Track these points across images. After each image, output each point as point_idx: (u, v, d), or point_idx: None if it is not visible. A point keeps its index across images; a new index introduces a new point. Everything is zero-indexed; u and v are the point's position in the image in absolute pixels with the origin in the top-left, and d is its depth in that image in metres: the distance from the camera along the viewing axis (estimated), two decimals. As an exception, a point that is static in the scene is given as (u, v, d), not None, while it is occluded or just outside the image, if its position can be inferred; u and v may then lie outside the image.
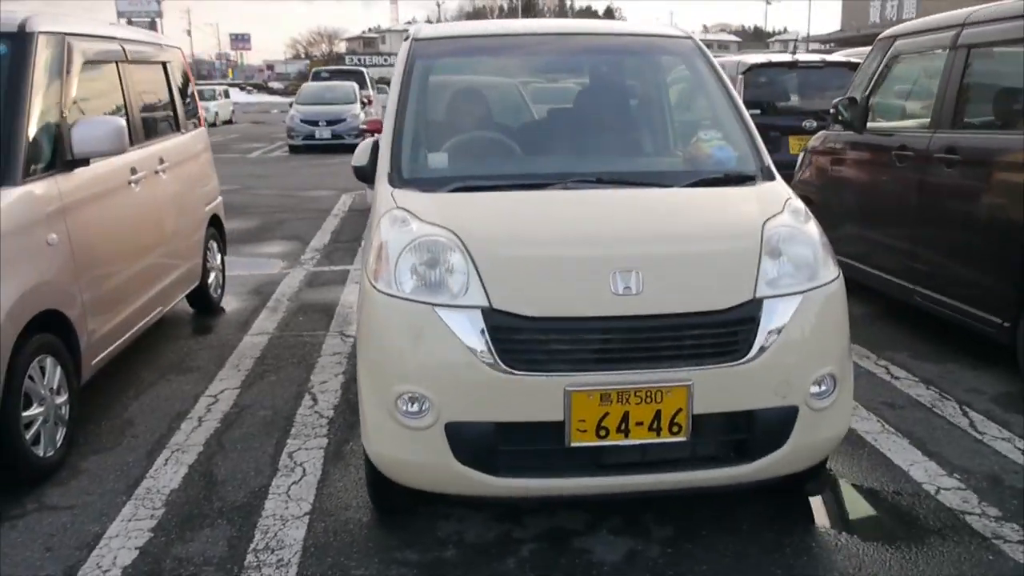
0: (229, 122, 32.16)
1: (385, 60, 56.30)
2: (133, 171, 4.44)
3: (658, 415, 2.56)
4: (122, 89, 4.55)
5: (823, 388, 2.71)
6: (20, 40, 3.64)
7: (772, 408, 2.65)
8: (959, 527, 2.94)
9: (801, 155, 6.56)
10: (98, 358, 3.92)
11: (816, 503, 3.14)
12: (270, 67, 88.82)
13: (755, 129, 3.41)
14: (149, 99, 4.99)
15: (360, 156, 3.47)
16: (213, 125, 25.83)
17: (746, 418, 2.65)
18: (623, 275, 2.58)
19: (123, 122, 3.87)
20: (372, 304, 2.70)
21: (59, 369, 3.52)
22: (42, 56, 3.70)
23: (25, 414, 3.25)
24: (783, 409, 2.66)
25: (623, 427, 2.56)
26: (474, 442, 2.57)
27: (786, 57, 8.87)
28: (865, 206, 5.60)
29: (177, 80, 5.52)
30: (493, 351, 2.53)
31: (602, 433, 2.56)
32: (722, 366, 2.58)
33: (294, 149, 18.95)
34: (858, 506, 3.17)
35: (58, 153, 3.70)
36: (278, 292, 6.36)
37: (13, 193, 3.33)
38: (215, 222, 5.86)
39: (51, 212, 3.54)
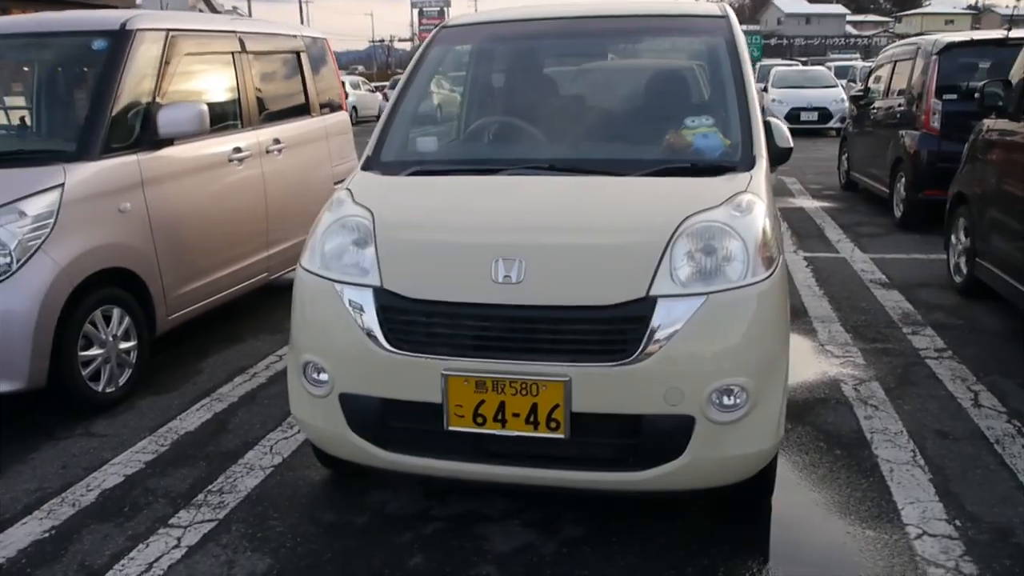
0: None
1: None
2: (237, 150, 4.98)
3: (535, 408, 2.50)
4: (236, 77, 5.11)
5: (729, 400, 2.48)
6: (120, 36, 4.26)
7: (661, 415, 2.48)
8: (906, 578, 2.55)
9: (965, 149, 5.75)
10: (177, 315, 4.49)
11: (755, 530, 2.86)
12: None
13: (757, 117, 3.13)
14: (270, 86, 5.55)
15: None
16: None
17: (633, 423, 2.51)
18: (506, 263, 2.55)
19: (204, 107, 4.37)
20: (296, 276, 2.90)
21: (127, 319, 4.10)
22: (139, 50, 4.30)
23: (84, 354, 3.85)
24: (674, 417, 2.48)
25: (500, 417, 2.53)
26: (364, 414, 2.69)
27: (995, 34, 7.72)
28: (1008, 206, 4.81)
29: (310, 68, 6.05)
30: (381, 329, 2.61)
31: (479, 420, 2.55)
32: (604, 365, 2.46)
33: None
34: (808, 540, 2.83)
35: (146, 133, 4.28)
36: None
37: (88, 168, 3.93)
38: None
39: (127, 184, 4.12)
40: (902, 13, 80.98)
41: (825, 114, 17.44)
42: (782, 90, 18.21)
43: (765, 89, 18.96)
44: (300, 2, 54.47)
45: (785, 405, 2.64)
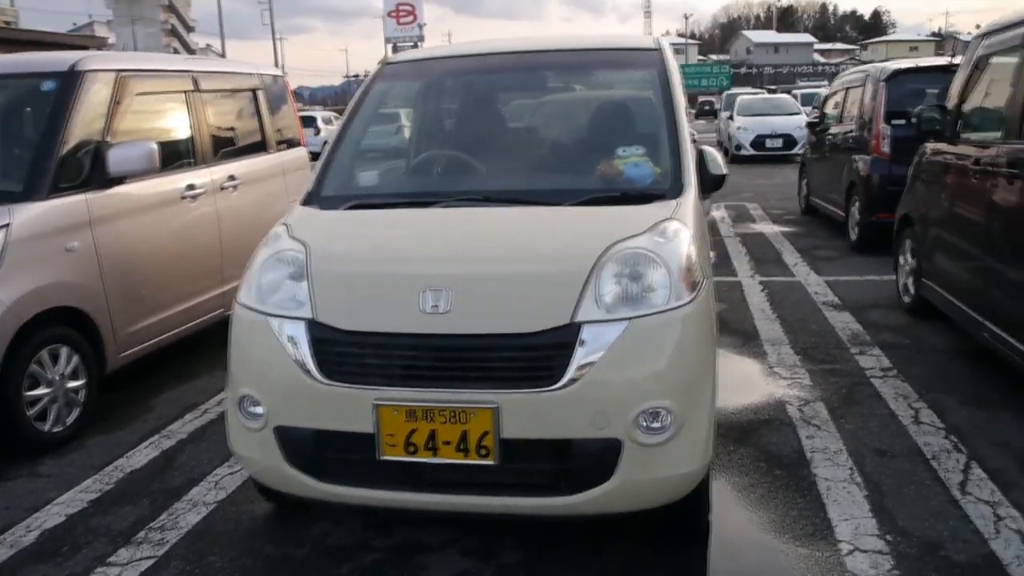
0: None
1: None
2: (191, 187, 5.02)
3: (465, 436, 2.54)
4: (190, 115, 5.17)
5: (655, 423, 2.53)
6: (68, 78, 4.30)
7: (590, 439, 2.52)
8: (834, 594, 2.59)
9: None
10: (128, 352, 4.49)
11: (693, 553, 2.89)
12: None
13: (686, 146, 3.23)
14: (225, 123, 5.60)
15: None
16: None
17: (562, 448, 2.55)
18: (433, 293, 2.59)
19: (154, 145, 4.41)
20: (232, 311, 2.93)
21: (76, 357, 4.10)
22: (89, 91, 4.35)
23: (29, 394, 3.84)
24: (602, 441, 2.52)
25: (431, 445, 2.57)
26: (300, 446, 2.71)
27: (940, 61, 7.94)
28: (947, 226, 4.94)
29: (267, 105, 6.11)
30: (314, 361, 2.65)
31: (411, 449, 2.58)
32: (532, 391, 2.50)
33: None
34: (745, 560, 2.87)
35: (96, 172, 4.31)
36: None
37: (35, 208, 3.95)
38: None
39: (76, 223, 4.14)
40: (867, 41, 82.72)
41: (789, 141, 17.74)
42: (747, 118, 18.51)
43: (731, 117, 19.28)
44: (274, 40, 54.81)
45: (713, 426, 2.69)
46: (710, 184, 3.41)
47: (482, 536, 3.01)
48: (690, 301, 2.62)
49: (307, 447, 2.69)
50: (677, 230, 2.78)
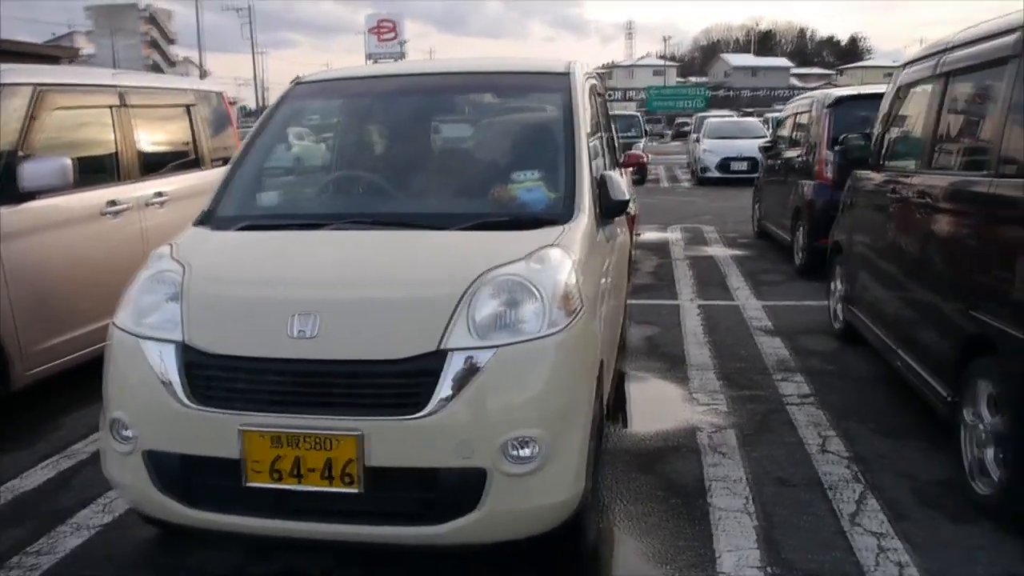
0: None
1: (612, 95, 57.09)
2: (112, 204, 4.96)
3: (330, 463, 2.50)
4: (114, 130, 5.11)
5: (522, 452, 2.49)
6: (-21, 91, 4.24)
7: (455, 468, 2.49)
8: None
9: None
10: (37, 370, 4.41)
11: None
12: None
13: (583, 172, 3.21)
14: (154, 139, 5.55)
15: None
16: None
17: (429, 476, 2.51)
18: (301, 319, 2.56)
19: (68, 161, 4.36)
20: (108, 333, 2.87)
21: (-24, 375, 4.02)
22: (3, 104, 4.28)
23: (-78, 412, 3.75)
24: (468, 470, 2.49)
25: (296, 472, 2.53)
26: (169, 471, 2.66)
27: (883, 88, 8.02)
28: (868, 254, 4.98)
29: (202, 122, 6.07)
30: (182, 385, 2.60)
31: (276, 476, 2.53)
32: (397, 419, 2.47)
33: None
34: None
35: (7, 187, 4.24)
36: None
37: (-67, 222, 3.88)
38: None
39: (-20, 238, 4.07)
40: (844, 66, 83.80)
41: (754, 164, 17.83)
42: (714, 140, 18.66)
43: (699, 139, 19.43)
44: (253, 53, 54.75)
45: (587, 454, 2.66)
46: (613, 209, 3.41)
47: (363, 564, 2.96)
48: (564, 328, 2.60)
49: (176, 473, 2.65)
50: (555, 256, 2.76)
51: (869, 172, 5.18)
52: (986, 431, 3.22)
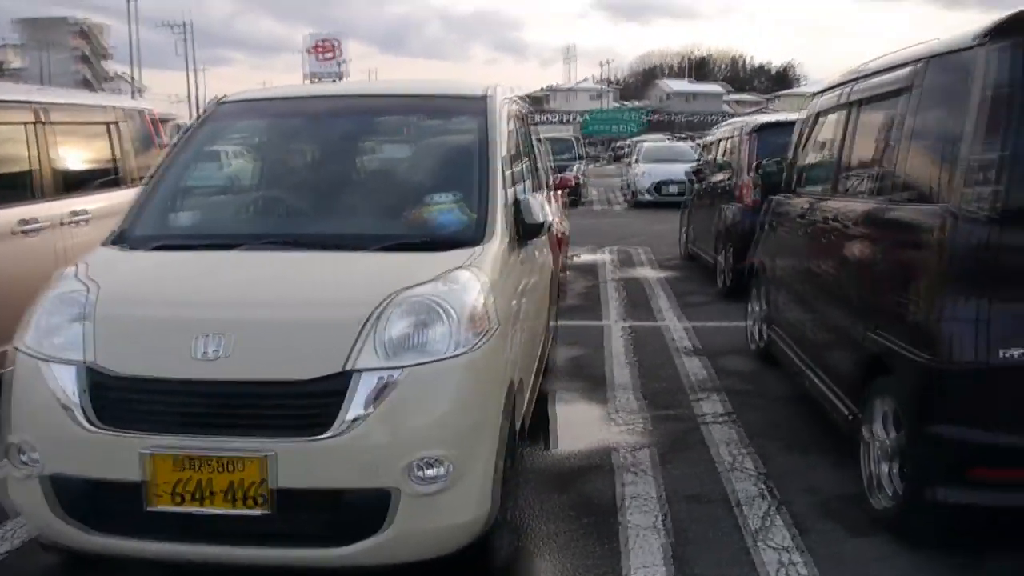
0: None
1: (551, 118, 57.65)
2: (24, 222, 4.84)
3: (237, 485, 2.49)
4: (29, 147, 5.00)
5: (429, 472, 2.51)
6: None
7: (363, 489, 2.50)
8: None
9: (761, 221, 6.12)
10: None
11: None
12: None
13: (497, 194, 3.27)
14: (74, 156, 5.44)
15: None
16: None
17: (336, 497, 2.51)
18: (207, 339, 2.55)
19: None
20: (12, 354, 2.81)
21: None
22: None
23: None
24: (375, 491, 2.50)
25: (201, 495, 2.51)
26: (72, 496, 2.61)
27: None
28: (781, 276, 5.15)
29: (126, 139, 5.98)
30: (86, 407, 2.56)
31: (181, 499, 2.51)
32: (305, 440, 2.48)
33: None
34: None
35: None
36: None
37: None
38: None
39: None
40: (778, 93, 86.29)
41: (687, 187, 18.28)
42: (648, 164, 19.04)
43: (633, 163, 19.80)
44: (187, 71, 53.92)
45: (496, 474, 2.69)
46: (530, 231, 3.47)
47: (272, 588, 2.92)
48: (473, 349, 2.63)
49: (79, 497, 2.61)
50: (467, 277, 2.80)
51: (784, 196, 5.36)
52: (884, 447, 3.35)
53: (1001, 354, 2.79)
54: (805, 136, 5.21)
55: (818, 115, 5.02)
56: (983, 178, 2.87)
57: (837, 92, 4.62)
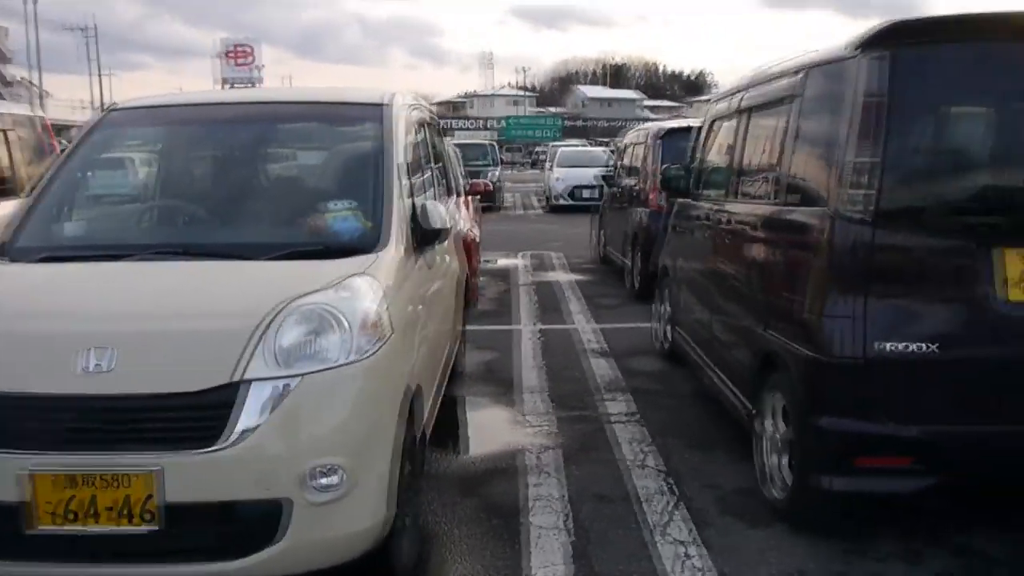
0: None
1: (470, 124, 57.64)
2: (-96, 234, 4.59)
3: (126, 501, 2.42)
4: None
5: (325, 480, 2.49)
6: None
7: (256, 500, 2.47)
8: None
9: (667, 224, 6.28)
10: None
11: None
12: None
13: (393, 201, 3.26)
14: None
15: None
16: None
17: (229, 510, 2.47)
18: (89, 353, 2.47)
19: None
20: None
21: None
22: None
23: None
24: (269, 502, 2.47)
25: (90, 512, 2.43)
26: None
27: (706, 122, 8.57)
28: (685, 277, 5.29)
29: (16, 146, 5.74)
30: None
31: (69, 517, 2.42)
32: (195, 453, 2.42)
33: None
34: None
35: None
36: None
37: None
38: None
39: None
40: (692, 99, 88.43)
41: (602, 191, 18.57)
42: (564, 169, 19.27)
43: (550, 168, 20.01)
44: (90, 73, 52.05)
45: (394, 479, 2.69)
46: (430, 237, 3.49)
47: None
48: (368, 356, 2.63)
49: None
50: (361, 285, 2.80)
51: (686, 200, 5.51)
52: (775, 441, 3.48)
53: (876, 347, 2.94)
54: (703, 142, 5.37)
55: (714, 121, 5.18)
56: (859, 182, 3.02)
57: (730, 99, 4.78)
